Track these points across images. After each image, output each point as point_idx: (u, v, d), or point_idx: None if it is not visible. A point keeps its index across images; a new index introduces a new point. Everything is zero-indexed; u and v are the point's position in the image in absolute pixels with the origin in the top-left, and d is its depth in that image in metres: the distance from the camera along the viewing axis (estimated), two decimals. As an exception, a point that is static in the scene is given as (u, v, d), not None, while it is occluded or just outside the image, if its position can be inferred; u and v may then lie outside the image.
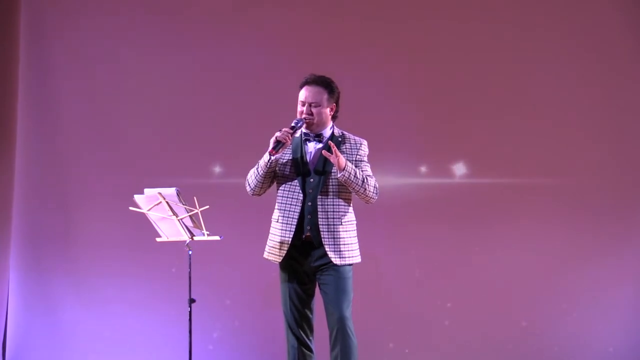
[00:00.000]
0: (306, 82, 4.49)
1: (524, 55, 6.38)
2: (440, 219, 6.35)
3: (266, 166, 4.38)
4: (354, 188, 4.38)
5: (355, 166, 4.45)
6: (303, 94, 4.47)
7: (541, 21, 6.40)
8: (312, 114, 4.43)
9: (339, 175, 4.33)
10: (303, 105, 4.45)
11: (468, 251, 6.34)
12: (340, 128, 4.56)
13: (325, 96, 4.46)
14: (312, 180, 4.43)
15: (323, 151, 4.34)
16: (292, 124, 4.39)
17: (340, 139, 4.49)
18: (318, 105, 4.44)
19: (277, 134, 4.33)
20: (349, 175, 4.33)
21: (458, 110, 6.38)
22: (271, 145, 4.33)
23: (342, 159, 4.32)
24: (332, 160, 4.32)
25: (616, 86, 6.38)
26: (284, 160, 4.46)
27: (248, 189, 4.52)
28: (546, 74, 6.38)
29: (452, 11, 6.41)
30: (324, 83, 4.48)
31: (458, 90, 6.38)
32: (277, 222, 4.46)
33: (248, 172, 4.51)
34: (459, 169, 6.39)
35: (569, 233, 6.32)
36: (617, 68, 6.38)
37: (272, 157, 4.35)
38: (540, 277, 6.32)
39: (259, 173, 4.42)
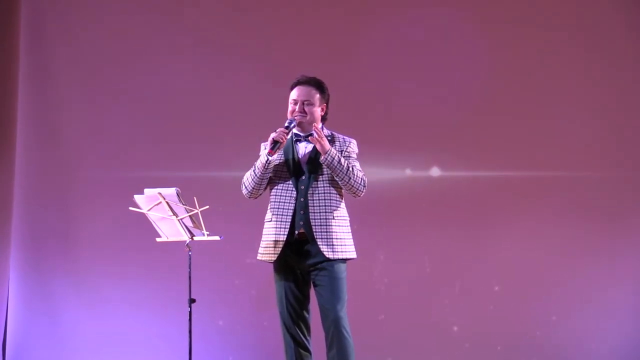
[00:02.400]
0: (298, 82, 4.55)
1: (522, 53, 6.39)
2: (437, 217, 6.35)
3: (264, 167, 4.41)
4: (338, 174, 4.40)
5: None
6: (295, 93, 4.53)
7: (541, 21, 6.41)
8: (304, 112, 4.48)
9: (321, 159, 4.37)
10: (295, 104, 4.51)
11: (466, 250, 6.34)
12: (330, 128, 4.60)
13: (317, 96, 4.53)
14: (303, 178, 4.47)
15: (310, 137, 4.40)
16: (286, 124, 4.44)
17: (329, 138, 4.53)
18: (310, 103, 4.50)
19: (273, 134, 4.38)
20: (332, 160, 4.37)
21: (456, 107, 6.38)
22: (268, 146, 4.37)
23: (327, 143, 4.39)
24: (317, 147, 4.37)
25: (617, 85, 6.38)
26: (277, 162, 4.50)
27: (245, 191, 4.54)
28: (546, 71, 6.38)
29: (451, 10, 6.42)
30: (316, 83, 4.56)
31: (457, 86, 6.38)
32: (271, 221, 4.48)
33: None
34: (457, 164, 6.39)
35: (569, 231, 6.32)
36: (617, 66, 6.38)
37: (270, 158, 4.38)
38: (540, 277, 6.31)
39: (256, 175, 4.45)
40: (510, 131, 6.38)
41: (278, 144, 4.36)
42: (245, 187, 4.52)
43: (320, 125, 4.53)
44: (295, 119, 4.46)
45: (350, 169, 4.42)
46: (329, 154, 4.36)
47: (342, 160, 4.40)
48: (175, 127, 6.40)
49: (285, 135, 4.38)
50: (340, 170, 4.39)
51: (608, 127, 6.38)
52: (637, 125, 6.39)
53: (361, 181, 4.46)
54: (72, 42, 6.41)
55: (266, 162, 4.40)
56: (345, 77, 6.23)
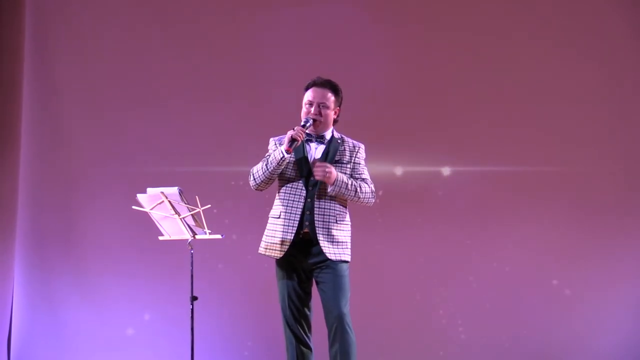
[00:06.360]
0: (314, 84, 4.59)
1: (523, 51, 6.40)
2: (438, 215, 6.37)
3: (278, 164, 4.44)
4: (347, 198, 4.52)
5: (353, 169, 4.56)
6: (311, 94, 4.57)
7: (542, 19, 6.42)
8: (320, 114, 4.52)
9: (329, 190, 4.44)
10: (311, 105, 4.55)
11: (467, 249, 6.35)
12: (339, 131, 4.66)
13: (333, 99, 4.58)
14: (312, 179, 4.50)
15: (316, 176, 4.42)
16: (302, 123, 4.48)
17: (339, 141, 4.60)
18: (325, 106, 4.55)
19: (291, 132, 4.40)
20: (339, 190, 4.45)
21: (457, 105, 6.40)
22: (286, 143, 4.39)
23: (333, 175, 4.43)
24: (326, 180, 4.41)
25: (617, 83, 6.38)
26: (289, 160, 4.53)
27: (253, 183, 4.56)
28: (547, 68, 6.39)
29: (453, 8, 6.46)
30: (332, 86, 4.60)
31: (460, 84, 6.40)
32: (278, 218, 4.52)
33: (248, 173, 4.58)
34: (456, 162, 6.40)
35: (569, 230, 6.32)
36: (618, 64, 6.39)
37: (286, 155, 4.41)
38: (541, 276, 6.32)
39: (267, 169, 4.48)
40: (510, 129, 6.39)
41: (295, 142, 4.39)
42: (254, 179, 4.54)
43: (331, 128, 4.60)
44: (311, 120, 4.50)
45: (359, 188, 4.50)
46: (335, 185, 4.44)
47: (350, 183, 4.48)
48: (178, 127, 6.41)
49: (303, 134, 4.42)
50: (349, 195, 4.50)
51: (609, 125, 6.38)
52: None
53: (370, 194, 4.56)
54: (76, 43, 6.42)
55: (281, 158, 4.42)
56: (341, 76, 6.25)
